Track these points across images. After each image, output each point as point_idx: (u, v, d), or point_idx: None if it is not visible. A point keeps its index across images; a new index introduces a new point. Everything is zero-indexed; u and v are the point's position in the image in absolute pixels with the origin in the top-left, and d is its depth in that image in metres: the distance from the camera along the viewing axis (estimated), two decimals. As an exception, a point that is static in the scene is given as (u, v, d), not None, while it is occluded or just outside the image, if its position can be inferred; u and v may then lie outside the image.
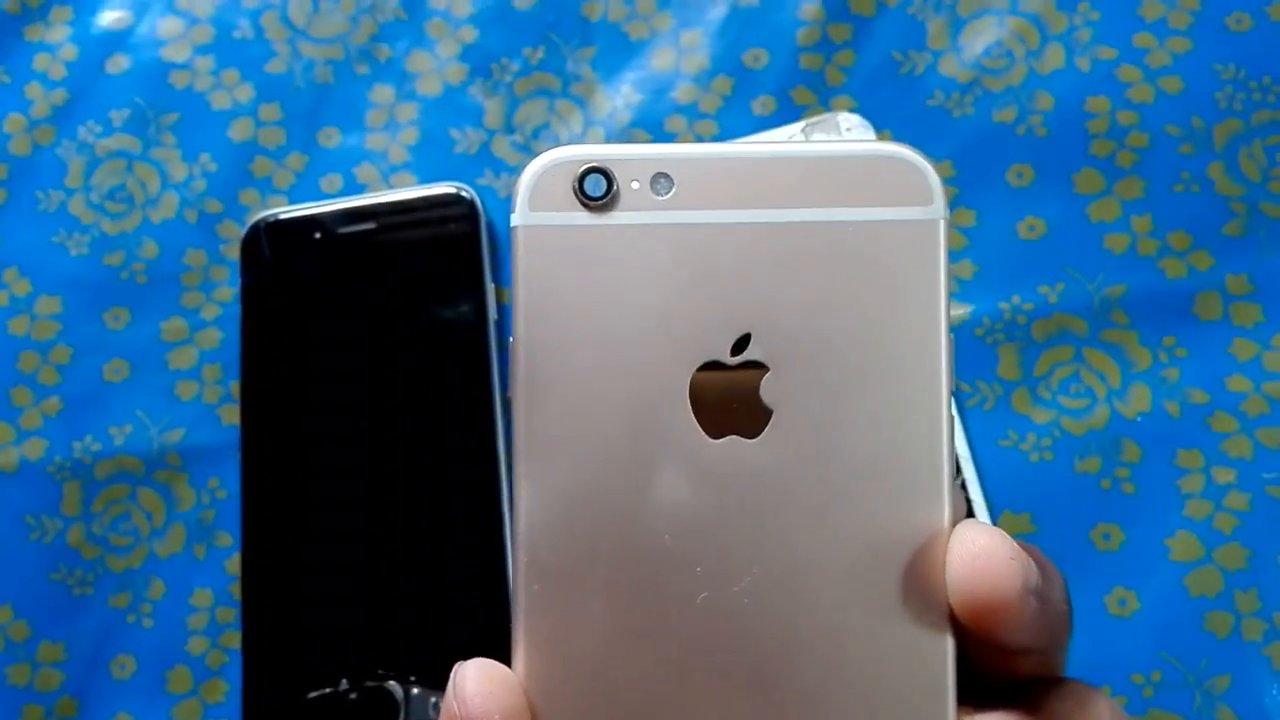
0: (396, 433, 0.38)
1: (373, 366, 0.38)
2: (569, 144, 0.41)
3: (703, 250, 0.21)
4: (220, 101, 0.42)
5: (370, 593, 0.37)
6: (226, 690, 0.38)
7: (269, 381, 0.39)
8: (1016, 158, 0.39)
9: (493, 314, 0.39)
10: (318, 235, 0.40)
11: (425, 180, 0.41)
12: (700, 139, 0.41)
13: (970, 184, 0.39)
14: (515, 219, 0.21)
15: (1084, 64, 0.40)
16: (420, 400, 0.38)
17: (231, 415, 0.39)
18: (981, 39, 0.41)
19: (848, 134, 0.39)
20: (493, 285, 0.39)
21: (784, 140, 0.38)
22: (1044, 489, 0.37)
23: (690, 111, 0.41)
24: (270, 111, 0.42)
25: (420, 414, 0.38)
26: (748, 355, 0.21)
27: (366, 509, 0.37)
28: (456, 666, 0.20)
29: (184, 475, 0.39)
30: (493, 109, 0.42)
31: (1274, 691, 0.34)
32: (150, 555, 0.39)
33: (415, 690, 0.36)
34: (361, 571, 0.37)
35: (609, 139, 0.41)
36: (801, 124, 0.38)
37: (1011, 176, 0.39)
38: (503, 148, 0.41)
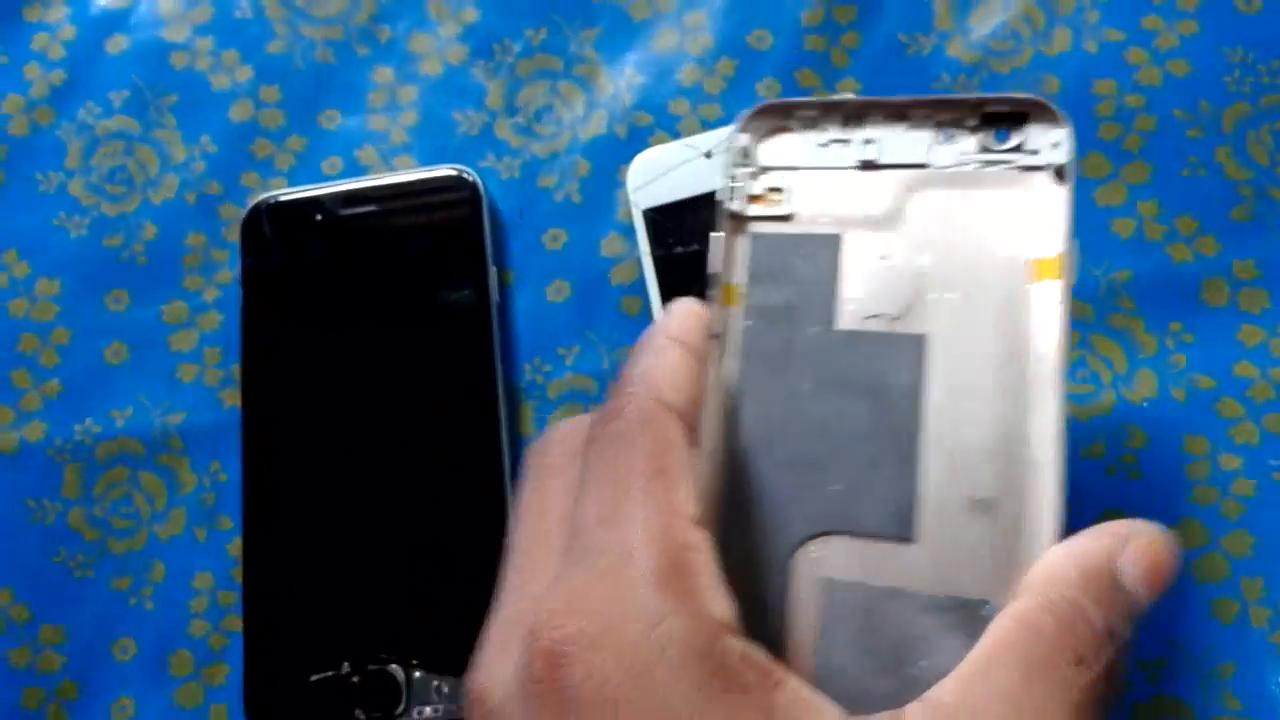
0: (398, 416, 0.38)
1: (374, 349, 0.38)
2: (572, 127, 0.41)
3: None
4: (220, 82, 0.42)
5: (372, 575, 0.37)
6: (228, 673, 0.38)
7: (270, 364, 0.39)
8: (1023, 141, 0.39)
9: (494, 297, 0.38)
10: (318, 217, 0.39)
11: (426, 162, 0.41)
12: (705, 122, 0.40)
13: (976, 167, 0.39)
14: None
15: (1091, 46, 0.40)
16: (422, 383, 0.38)
17: (233, 398, 0.39)
18: (989, 21, 0.40)
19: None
20: (494, 268, 0.39)
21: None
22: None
23: (694, 93, 0.41)
24: (270, 93, 0.42)
25: (422, 397, 0.38)
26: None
27: (368, 492, 0.37)
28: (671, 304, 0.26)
29: (185, 458, 0.39)
30: (494, 90, 0.41)
31: (1279, 678, 0.34)
32: (151, 538, 0.39)
33: (417, 673, 0.36)
34: (363, 554, 0.37)
35: (612, 121, 0.41)
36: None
37: (1018, 160, 0.39)
38: (505, 130, 0.41)
